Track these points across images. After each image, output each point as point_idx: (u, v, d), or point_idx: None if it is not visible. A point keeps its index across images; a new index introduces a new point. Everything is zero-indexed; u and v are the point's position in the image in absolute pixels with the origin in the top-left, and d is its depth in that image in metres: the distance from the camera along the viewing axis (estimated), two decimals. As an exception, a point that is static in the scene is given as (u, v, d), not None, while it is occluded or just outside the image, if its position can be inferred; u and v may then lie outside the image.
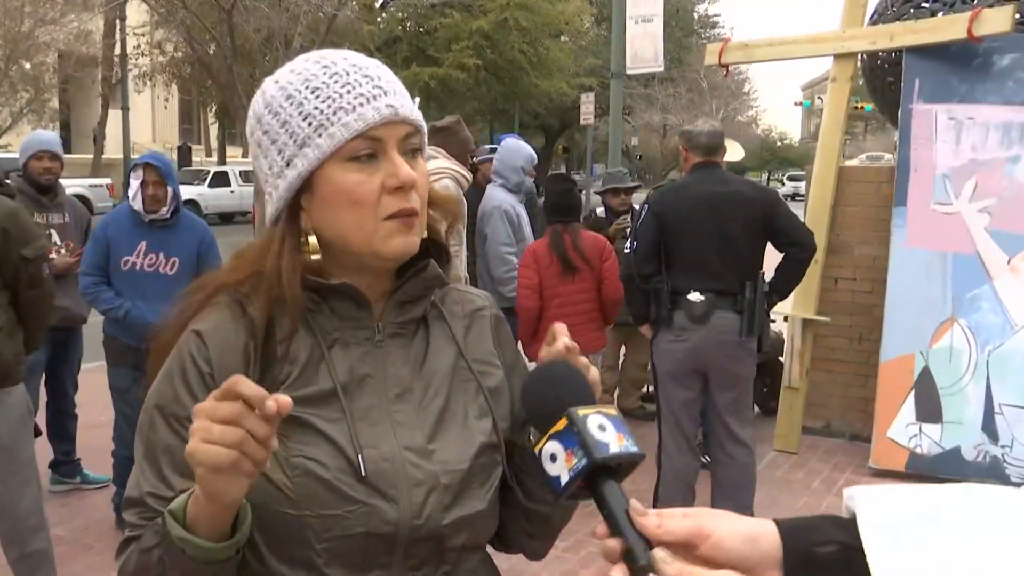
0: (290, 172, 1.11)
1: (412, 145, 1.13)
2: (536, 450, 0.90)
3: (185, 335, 1.13)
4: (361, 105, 1.09)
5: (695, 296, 4.00)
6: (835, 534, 0.82)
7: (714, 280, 4.00)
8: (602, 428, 0.88)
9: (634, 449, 0.88)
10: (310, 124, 1.09)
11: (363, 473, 1.07)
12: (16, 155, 5.12)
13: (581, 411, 0.89)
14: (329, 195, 1.10)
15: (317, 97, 1.10)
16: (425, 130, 1.17)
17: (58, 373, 4.74)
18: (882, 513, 0.80)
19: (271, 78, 1.16)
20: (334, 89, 1.09)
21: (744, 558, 0.82)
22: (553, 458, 0.88)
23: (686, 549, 0.82)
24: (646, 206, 4.19)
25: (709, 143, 4.14)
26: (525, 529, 1.26)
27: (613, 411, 0.91)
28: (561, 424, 0.88)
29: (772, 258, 4.08)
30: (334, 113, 1.09)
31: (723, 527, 0.83)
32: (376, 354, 1.16)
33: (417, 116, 1.14)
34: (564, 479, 0.87)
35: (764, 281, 4.08)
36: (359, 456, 1.08)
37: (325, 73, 1.11)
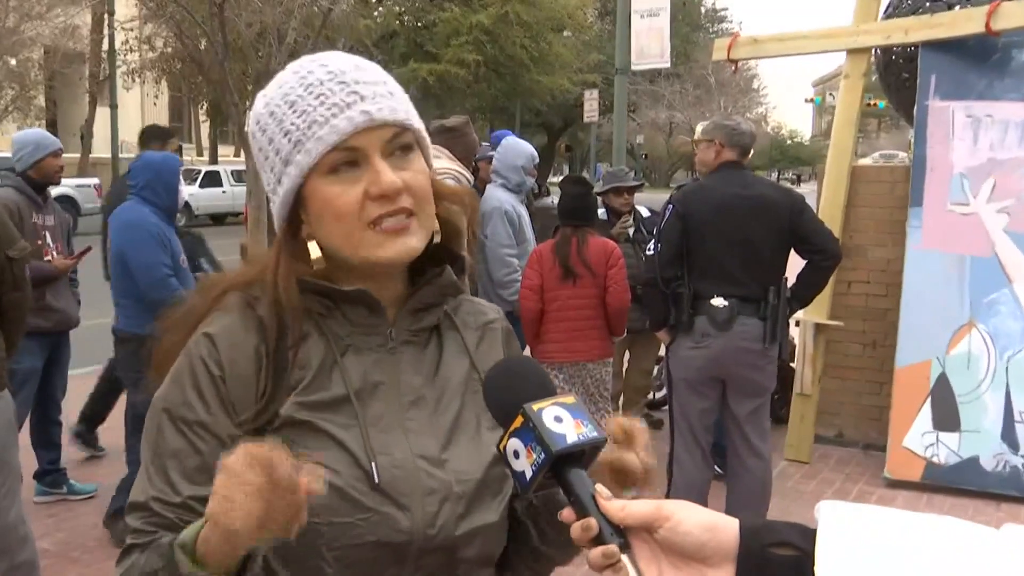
0: (281, 188, 1.14)
1: (400, 144, 1.14)
2: (500, 448, 0.95)
3: (195, 337, 1.14)
4: (334, 116, 1.10)
5: (719, 301, 3.97)
6: (794, 539, 0.86)
7: (737, 285, 3.98)
8: (558, 419, 0.93)
9: (593, 435, 0.94)
10: (289, 140, 1.12)
11: (376, 480, 1.09)
12: (5, 154, 5.11)
13: (536, 405, 0.94)
14: (316, 209, 1.13)
15: (294, 111, 1.12)
16: (416, 126, 1.16)
17: (50, 378, 4.75)
18: (843, 529, 0.83)
19: (261, 93, 1.18)
20: (308, 102, 1.11)
21: (701, 545, 0.87)
22: (516, 455, 0.94)
23: (647, 532, 0.89)
24: (670, 207, 4.16)
25: (750, 144, 4.15)
26: (531, 567, 1.28)
27: (571, 399, 0.96)
28: (518, 421, 0.94)
29: (794, 264, 4.08)
30: (308, 127, 1.10)
31: (683, 511, 0.89)
32: (389, 361, 1.18)
33: (400, 116, 1.13)
34: (528, 474, 0.93)
35: (786, 287, 4.07)
36: (372, 463, 1.09)
37: (301, 85, 1.13)
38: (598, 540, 0.88)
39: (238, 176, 24.85)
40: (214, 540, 0.94)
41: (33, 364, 4.45)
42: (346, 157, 1.10)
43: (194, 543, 0.96)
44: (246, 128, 1.21)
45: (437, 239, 1.20)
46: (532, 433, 0.92)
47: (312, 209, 1.13)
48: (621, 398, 6.39)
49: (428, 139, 1.20)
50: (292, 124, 1.11)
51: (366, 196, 1.10)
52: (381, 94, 1.13)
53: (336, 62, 1.14)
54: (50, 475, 4.84)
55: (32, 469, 4.81)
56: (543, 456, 0.91)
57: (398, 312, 1.20)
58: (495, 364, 1.08)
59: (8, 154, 4.70)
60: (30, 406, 4.56)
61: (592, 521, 0.89)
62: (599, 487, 0.92)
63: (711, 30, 45.60)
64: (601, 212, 6.09)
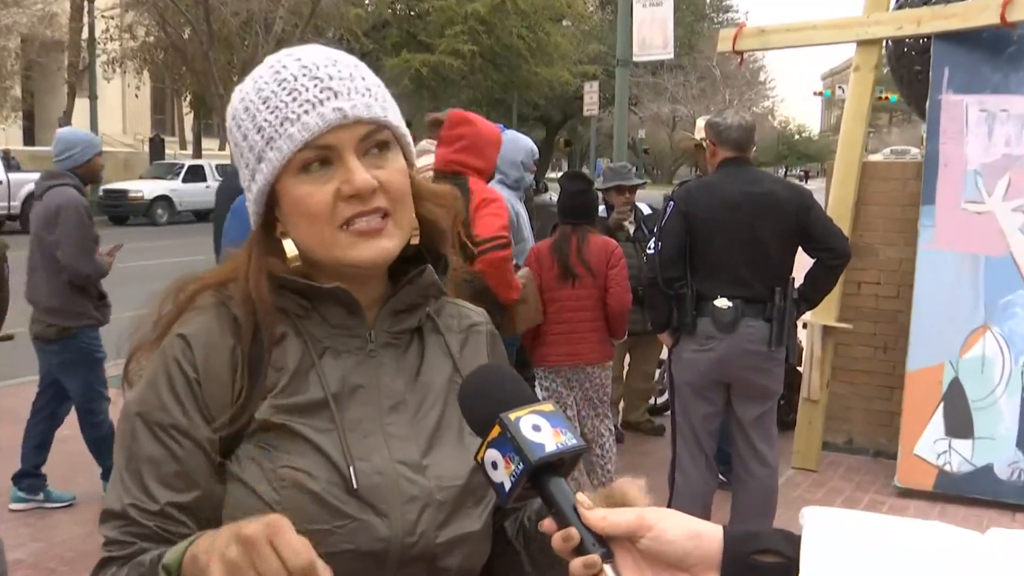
0: (255, 186, 1.16)
1: (376, 141, 1.13)
2: (478, 460, 0.95)
3: (169, 339, 1.14)
4: (306, 113, 1.10)
5: (723, 302, 3.97)
6: (780, 546, 0.88)
7: (742, 286, 3.98)
8: (536, 428, 0.94)
9: (573, 443, 0.94)
10: (262, 137, 1.12)
11: (355, 486, 1.09)
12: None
13: (513, 414, 0.94)
14: (288, 207, 1.14)
15: (267, 107, 1.12)
16: (395, 123, 1.16)
17: None
18: (828, 535, 0.85)
19: (237, 88, 1.19)
20: (281, 98, 1.11)
21: (685, 554, 0.89)
22: (494, 465, 0.94)
23: (630, 541, 0.91)
24: (671, 204, 4.15)
25: (740, 138, 4.11)
26: None
27: (549, 407, 0.97)
28: (495, 431, 0.94)
29: (801, 263, 4.08)
30: (280, 124, 1.11)
31: (666, 520, 0.91)
32: (369, 364, 1.18)
33: (376, 113, 1.13)
34: (507, 485, 0.93)
35: (793, 288, 4.07)
36: (351, 468, 1.10)
37: (275, 80, 1.13)
38: (580, 550, 0.90)
39: (223, 171, 24.81)
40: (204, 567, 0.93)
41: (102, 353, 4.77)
42: (318, 155, 1.11)
43: (179, 567, 0.95)
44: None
45: (415, 240, 1.19)
46: (510, 443, 0.93)
47: (284, 208, 1.15)
48: (622, 403, 6.40)
49: (408, 136, 1.20)
50: (265, 120, 1.12)
51: (338, 196, 1.10)
52: (356, 90, 1.12)
53: (311, 56, 1.14)
54: (30, 479, 4.84)
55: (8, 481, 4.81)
56: (522, 466, 0.92)
57: (378, 314, 1.20)
58: (469, 373, 1.08)
59: None
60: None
61: (573, 531, 0.90)
62: (580, 496, 0.93)
63: (716, 20, 45.66)
64: (601, 209, 6.10)
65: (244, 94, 1.16)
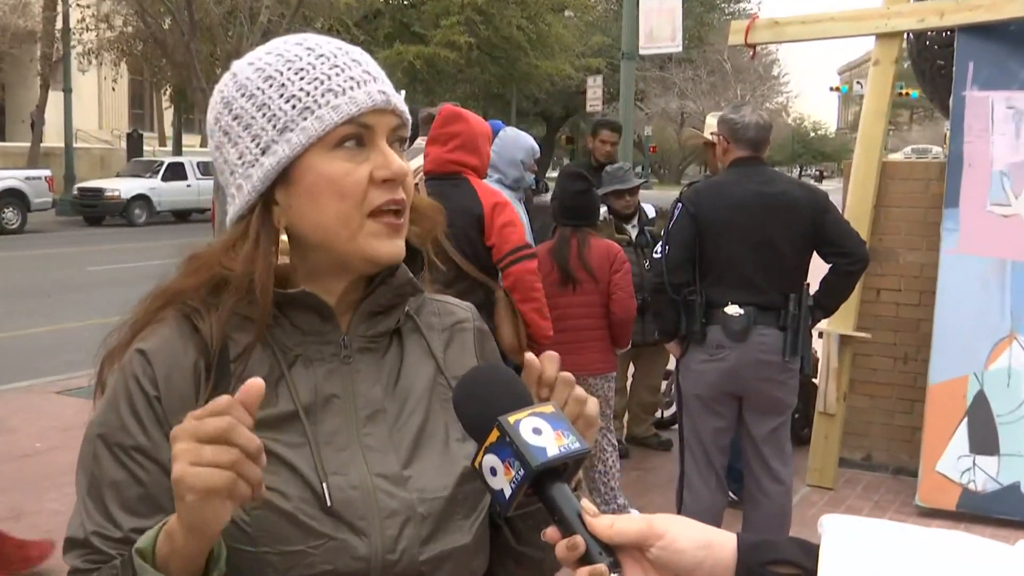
0: (267, 159, 1.13)
1: (399, 137, 1.17)
2: (475, 465, 0.95)
3: (129, 355, 1.14)
4: (352, 88, 1.12)
5: (734, 310, 3.97)
6: (795, 556, 0.88)
7: (755, 292, 3.98)
8: (537, 431, 0.93)
9: (576, 446, 0.94)
10: (294, 107, 1.12)
11: (328, 503, 1.09)
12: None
13: (512, 417, 0.94)
14: (312, 185, 1.12)
15: (302, 79, 1.13)
16: (410, 123, 1.20)
17: None
18: (847, 545, 0.86)
19: (243, 60, 1.19)
20: (321, 71, 1.13)
21: (696, 563, 0.89)
22: (493, 471, 0.94)
23: (639, 550, 0.91)
24: (679, 206, 4.15)
25: (757, 137, 4.11)
26: (514, 574, 1.28)
27: (549, 408, 0.97)
28: (494, 435, 0.94)
29: (816, 268, 4.08)
30: (322, 95, 1.12)
31: (676, 528, 0.91)
32: (343, 371, 1.18)
33: (404, 108, 1.17)
34: (507, 493, 0.93)
35: (808, 295, 4.07)
36: (323, 484, 1.10)
37: (310, 55, 1.14)
38: (585, 559, 0.89)
39: (204, 168, 24.82)
40: (179, 534, 0.95)
41: None
42: (357, 132, 1.12)
43: (153, 548, 0.97)
44: None
45: None
46: (509, 448, 0.93)
47: (304, 186, 1.12)
48: (626, 416, 6.39)
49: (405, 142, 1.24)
50: (300, 90, 1.12)
51: (371, 181, 1.12)
52: (388, 82, 1.17)
53: (341, 42, 1.18)
54: None
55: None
56: (522, 472, 0.92)
57: (352, 317, 1.20)
58: (464, 375, 1.08)
59: None
60: None
61: (578, 539, 0.90)
62: (585, 503, 0.93)
63: (727, 11, 45.74)
64: (603, 212, 6.09)
65: (264, 64, 1.15)
